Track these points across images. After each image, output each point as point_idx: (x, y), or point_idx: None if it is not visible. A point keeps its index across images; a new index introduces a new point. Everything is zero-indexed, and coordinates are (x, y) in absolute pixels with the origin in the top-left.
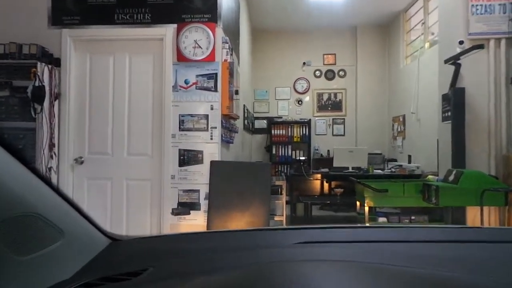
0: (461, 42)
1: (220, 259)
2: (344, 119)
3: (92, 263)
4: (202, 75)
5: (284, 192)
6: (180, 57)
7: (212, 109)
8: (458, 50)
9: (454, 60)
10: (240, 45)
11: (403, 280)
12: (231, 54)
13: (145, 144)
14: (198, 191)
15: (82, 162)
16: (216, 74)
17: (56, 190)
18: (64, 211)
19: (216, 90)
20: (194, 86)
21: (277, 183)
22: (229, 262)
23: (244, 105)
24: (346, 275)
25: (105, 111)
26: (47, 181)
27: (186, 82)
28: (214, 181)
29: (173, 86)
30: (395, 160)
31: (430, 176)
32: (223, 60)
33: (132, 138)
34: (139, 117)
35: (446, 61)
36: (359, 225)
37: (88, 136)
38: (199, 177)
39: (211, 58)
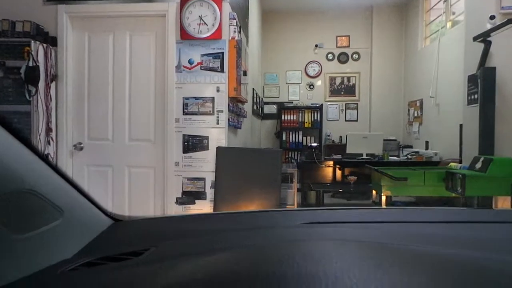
0: (492, 17)
1: (224, 240)
2: (357, 104)
3: (94, 242)
4: (207, 55)
5: (295, 180)
6: (184, 35)
7: (218, 91)
8: (489, 26)
9: (484, 37)
10: (249, 26)
11: (421, 260)
12: (239, 32)
13: (147, 129)
14: (203, 179)
15: (81, 149)
16: (222, 53)
17: (55, 168)
18: (63, 189)
19: (222, 71)
20: (199, 66)
21: (288, 170)
22: (233, 242)
23: (253, 88)
24: (356, 254)
25: (105, 94)
26: (44, 159)
27: (190, 62)
28: (220, 169)
29: (176, 67)
30: (411, 147)
31: (452, 164)
32: (230, 38)
33: (134, 122)
34: (140, 100)
35: (475, 38)
36: (368, 207)
37: (87, 120)
38: (204, 165)
39: (217, 35)
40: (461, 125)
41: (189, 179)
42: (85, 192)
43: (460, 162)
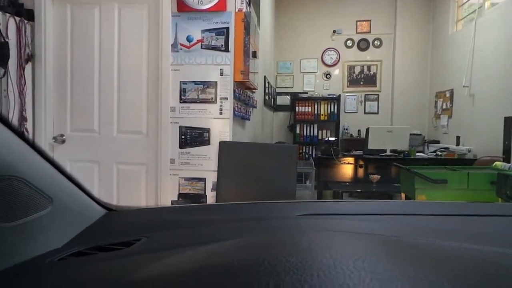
0: None
1: (217, 231)
2: (378, 95)
3: (85, 232)
4: (209, 30)
5: (312, 181)
6: (181, 6)
7: (222, 74)
8: None
9: None
10: (261, 6)
11: (416, 251)
12: (249, 4)
13: (138, 120)
14: (203, 179)
15: (63, 141)
16: (227, 28)
17: (45, 157)
18: (53, 177)
19: (227, 50)
20: (199, 44)
21: (304, 169)
22: (225, 233)
23: (265, 76)
24: (349, 245)
25: (90, 77)
26: (33, 145)
27: (188, 39)
28: (224, 168)
29: (172, 45)
30: (438, 142)
31: (498, 163)
32: (236, 10)
33: (123, 112)
34: (131, 85)
35: None
36: (367, 200)
37: (70, 108)
38: (205, 162)
39: (220, 6)
40: (506, 118)
41: (186, 179)
42: (77, 182)
43: (505, 160)
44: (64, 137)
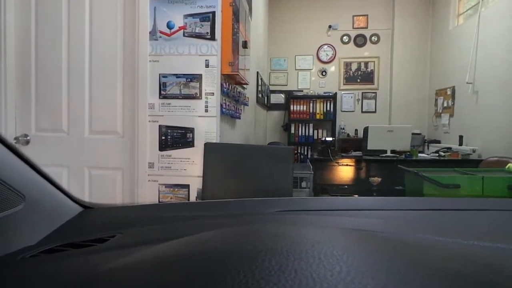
0: None
1: (193, 226)
2: (375, 93)
3: (60, 229)
4: (192, 15)
5: (311, 185)
6: None
7: (207, 66)
8: None
9: None
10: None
11: (409, 250)
12: None
13: (112, 119)
14: (187, 186)
15: (27, 142)
16: (213, 13)
17: (15, 152)
18: (25, 174)
19: (213, 38)
20: (181, 31)
21: (301, 173)
22: (201, 228)
23: (257, 72)
24: (309, 236)
25: (58, 70)
26: (3, 142)
27: (169, 26)
28: (210, 172)
29: (150, 33)
30: (438, 142)
31: (511, 165)
32: None
33: (95, 109)
34: (104, 79)
35: None
36: (348, 196)
37: (35, 105)
38: (188, 167)
39: None
40: None
41: (167, 185)
42: (51, 179)
43: None
44: (28, 138)
